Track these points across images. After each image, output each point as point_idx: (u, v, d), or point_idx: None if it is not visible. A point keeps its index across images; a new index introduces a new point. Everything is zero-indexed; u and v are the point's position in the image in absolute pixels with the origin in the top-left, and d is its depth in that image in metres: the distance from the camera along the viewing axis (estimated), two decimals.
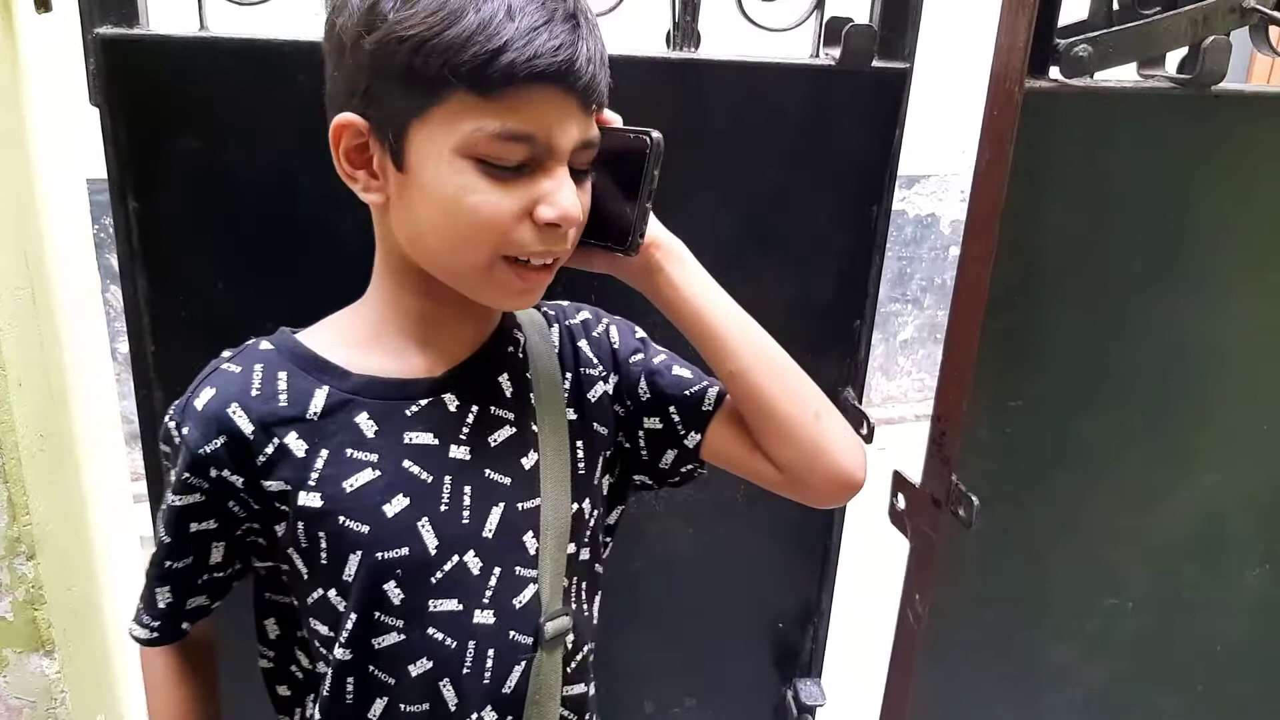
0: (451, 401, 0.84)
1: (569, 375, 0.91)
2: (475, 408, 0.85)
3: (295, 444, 0.79)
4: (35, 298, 1.33)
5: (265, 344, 0.83)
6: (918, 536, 1.26)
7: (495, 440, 0.85)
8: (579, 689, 0.93)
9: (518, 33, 0.68)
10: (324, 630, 0.83)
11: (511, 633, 0.85)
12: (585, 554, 0.92)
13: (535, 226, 0.75)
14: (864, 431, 1.41)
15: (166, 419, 0.81)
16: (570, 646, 0.90)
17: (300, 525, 0.80)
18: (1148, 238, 1.20)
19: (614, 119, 0.83)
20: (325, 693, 0.84)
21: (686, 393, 0.93)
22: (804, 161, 1.31)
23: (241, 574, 0.89)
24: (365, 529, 0.79)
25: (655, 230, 0.87)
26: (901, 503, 1.28)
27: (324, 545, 0.80)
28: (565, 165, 0.75)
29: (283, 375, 0.81)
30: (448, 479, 0.82)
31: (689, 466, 0.95)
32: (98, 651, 1.56)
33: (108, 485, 1.63)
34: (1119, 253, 1.20)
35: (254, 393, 0.79)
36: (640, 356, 0.95)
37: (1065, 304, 1.21)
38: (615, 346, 0.95)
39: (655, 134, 0.79)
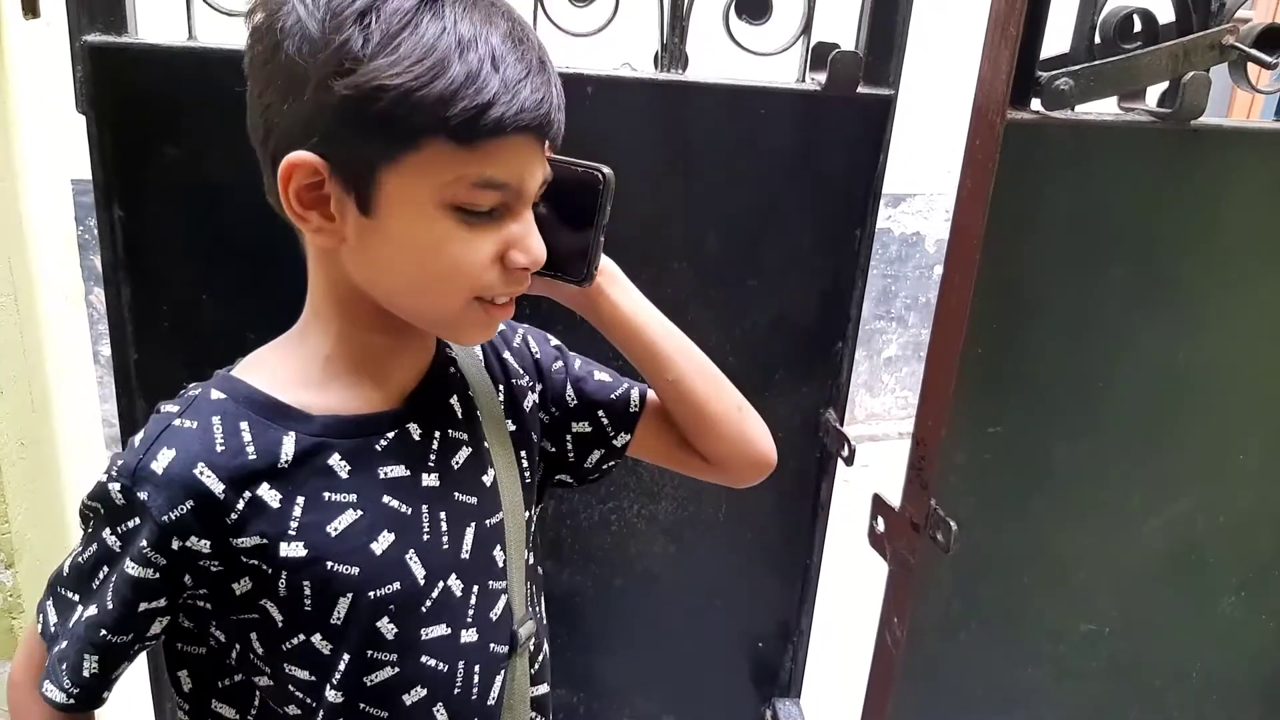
0: (415, 430, 0.83)
1: (501, 388, 0.93)
2: (436, 433, 0.85)
3: (269, 495, 0.76)
4: (18, 304, 1.33)
5: (215, 393, 0.78)
6: (896, 560, 1.27)
7: (458, 463, 0.86)
8: (543, 689, 0.96)
9: (503, 86, 0.69)
10: (303, 675, 0.81)
11: (491, 645, 0.87)
12: (531, 558, 0.95)
13: (504, 269, 0.76)
14: (845, 454, 1.41)
15: (111, 480, 0.74)
16: (533, 649, 0.93)
17: (283, 576, 0.76)
18: (1127, 268, 1.21)
19: None
20: None
21: (612, 396, 0.98)
22: (788, 184, 1.32)
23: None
24: (355, 570, 0.78)
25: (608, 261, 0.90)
26: (881, 526, 1.29)
27: (308, 593, 0.77)
28: (529, 208, 0.77)
29: (244, 425, 0.76)
30: (424, 508, 0.82)
31: (610, 464, 1.00)
32: None
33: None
34: (1098, 282, 1.21)
35: (219, 449, 0.75)
36: (560, 364, 0.98)
37: (1045, 331, 1.22)
38: (537, 356, 0.98)
39: (607, 170, 0.81)
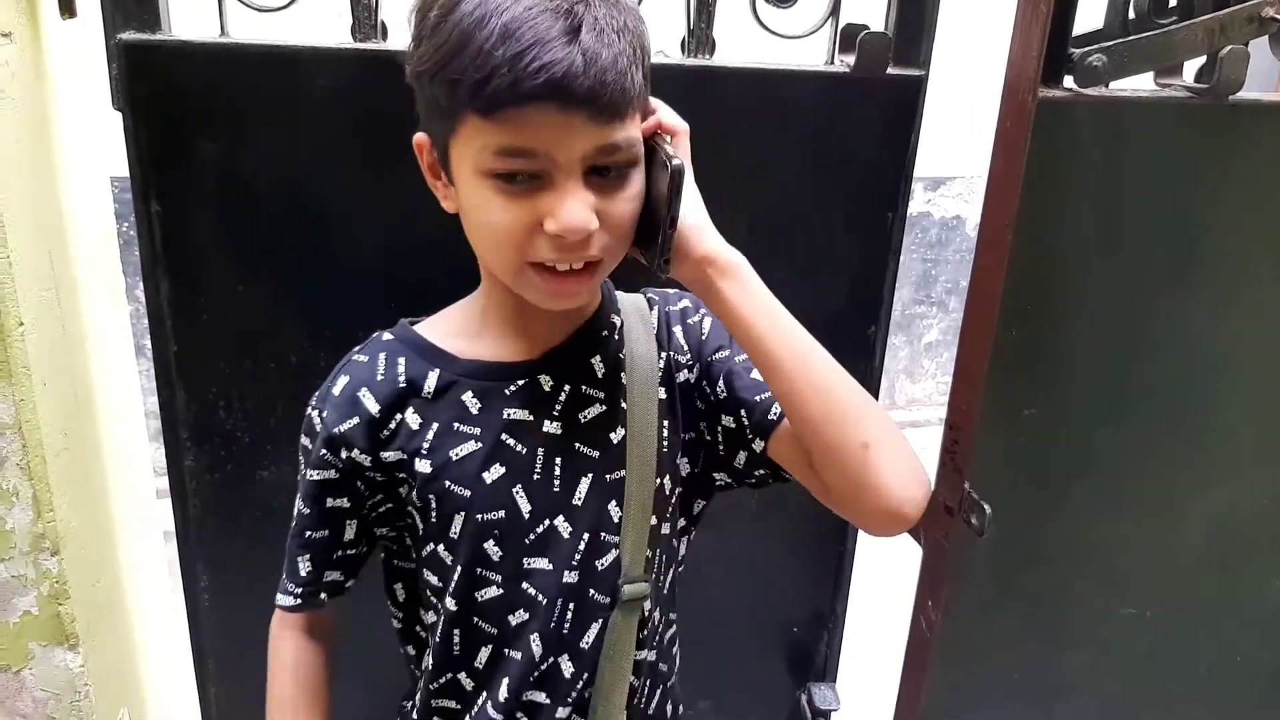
0: (546, 382, 0.91)
1: (663, 355, 0.96)
2: (567, 387, 0.92)
3: (411, 418, 0.90)
4: (60, 298, 1.35)
5: (387, 335, 0.94)
6: (931, 544, 1.26)
7: (585, 417, 0.92)
8: (649, 655, 0.99)
9: (504, 59, 0.72)
10: (435, 581, 0.94)
11: (591, 591, 0.93)
12: (665, 528, 0.97)
13: (550, 236, 0.78)
14: None
15: (310, 410, 0.94)
16: (645, 612, 0.96)
17: (415, 488, 0.90)
18: (1164, 247, 1.19)
19: (659, 107, 0.87)
20: (437, 640, 0.95)
21: (758, 398, 0.92)
22: (819, 168, 1.31)
23: (368, 555, 0.99)
24: (467, 493, 0.89)
25: (712, 244, 0.85)
26: None
27: (434, 505, 0.90)
28: (576, 176, 0.77)
29: (401, 360, 0.91)
30: (540, 451, 0.90)
31: (762, 470, 0.95)
32: (121, 645, 1.59)
33: (131, 481, 1.66)
34: (1135, 262, 1.19)
35: (379, 377, 0.91)
36: (724, 354, 0.95)
37: (1081, 313, 1.21)
38: (704, 338, 0.98)
39: (677, 161, 0.79)
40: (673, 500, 0.97)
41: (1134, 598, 1.41)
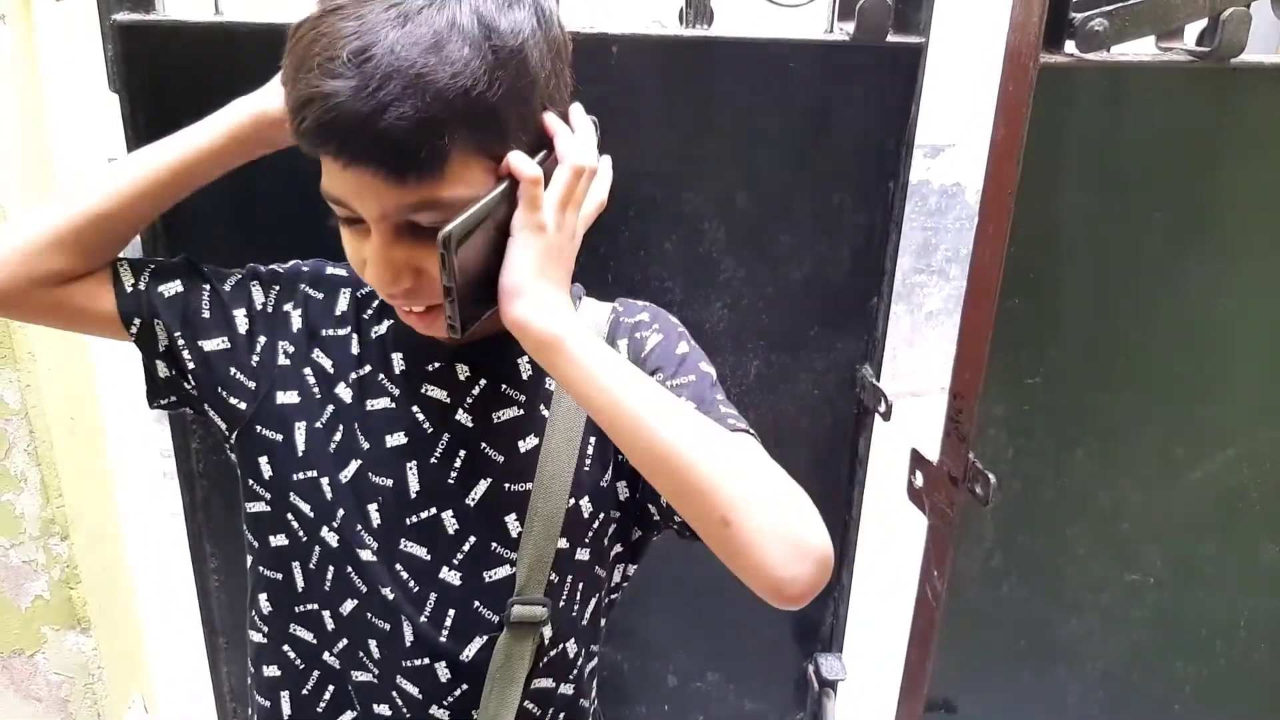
0: (463, 371, 0.87)
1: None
2: (483, 381, 0.87)
3: (354, 345, 0.89)
4: None
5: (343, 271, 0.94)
6: (935, 514, 1.27)
7: (499, 417, 0.87)
8: (547, 683, 0.91)
9: (292, 103, 0.70)
10: (307, 509, 0.88)
11: (476, 603, 0.87)
12: (584, 554, 0.88)
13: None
14: (882, 409, 1.41)
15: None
16: (546, 640, 0.88)
17: (329, 408, 0.88)
18: (1166, 213, 1.18)
19: (555, 128, 0.77)
20: (310, 566, 0.89)
21: None
22: (819, 137, 1.30)
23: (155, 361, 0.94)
24: (366, 445, 0.87)
25: (520, 314, 0.73)
26: (919, 480, 1.29)
27: (337, 437, 0.87)
28: (383, 233, 0.74)
29: (365, 291, 0.92)
30: (445, 437, 0.87)
31: (679, 520, 0.81)
32: (133, 629, 1.60)
33: (138, 465, 1.66)
34: (1137, 228, 1.19)
35: (359, 293, 0.92)
36: (659, 376, 0.84)
37: (1083, 280, 1.21)
38: (643, 355, 0.87)
39: (445, 230, 0.68)
40: (594, 525, 0.88)
41: (1137, 563, 1.42)
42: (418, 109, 0.66)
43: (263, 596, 0.93)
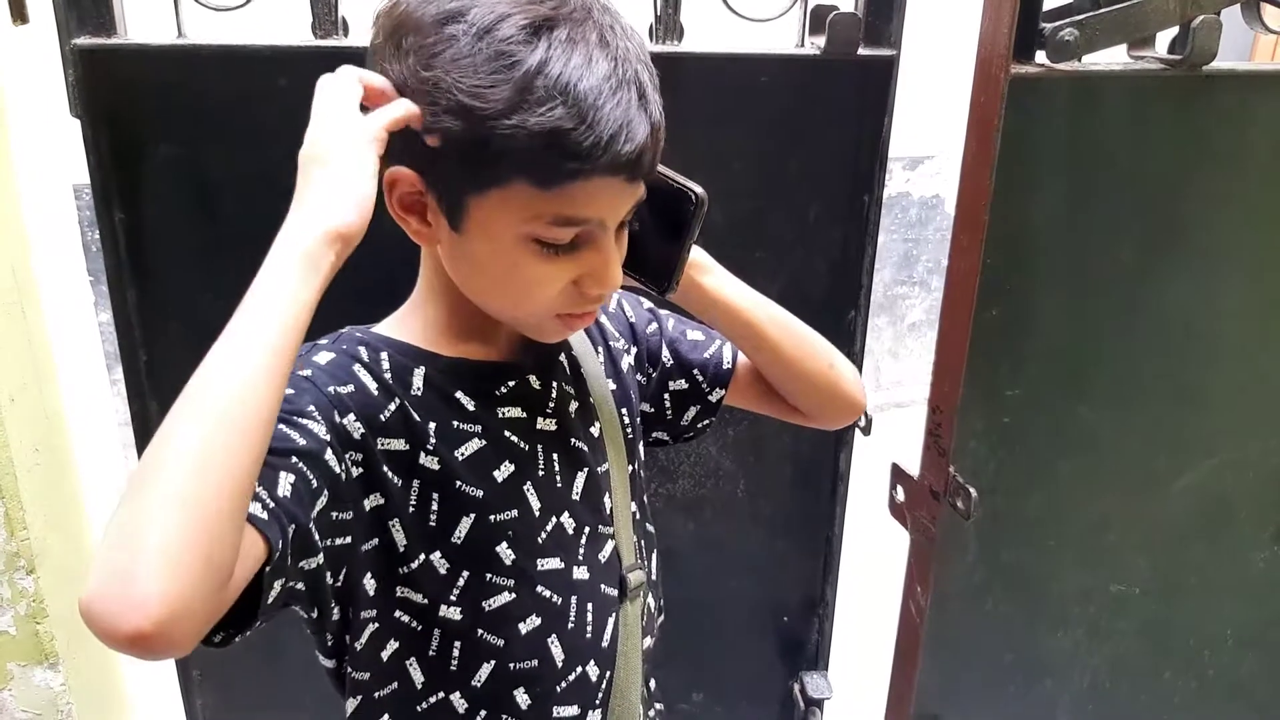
0: (535, 380, 0.89)
1: (600, 350, 0.97)
2: (554, 384, 0.90)
3: (409, 413, 0.81)
4: (25, 311, 1.33)
5: (357, 333, 0.85)
6: (917, 529, 1.25)
7: (572, 412, 0.91)
8: (648, 643, 0.99)
9: (591, 136, 0.68)
10: (419, 598, 0.83)
11: (602, 585, 0.91)
12: (638, 514, 0.98)
13: (580, 292, 0.79)
14: (862, 424, 1.39)
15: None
16: (644, 599, 0.96)
17: (415, 486, 0.81)
18: (1141, 221, 1.18)
19: None
20: (428, 657, 0.85)
21: (706, 355, 1.01)
22: (793, 152, 1.29)
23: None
24: (480, 493, 0.83)
25: (703, 256, 0.92)
26: (901, 495, 1.27)
27: (435, 508, 0.82)
28: (613, 234, 0.77)
29: (383, 356, 0.82)
30: (540, 447, 0.88)
31: (706, 421, 1.04)
32: (104, 661, 1.57)
33: (108, 494, 1.64)
34: (1113, 236, 1.18)
35: (367, 361, 0.81)
36: (655, 326, 1.01)
37: (1060, 290, 1.20)
38: (632, 320, 1.01)
39: (700, 191, 0.81)
40: (643, 483, 1.00)
41: (1122, 574, 1.41)
42: (662, 115, 0.74)
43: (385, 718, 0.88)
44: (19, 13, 1.25)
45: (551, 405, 0.90)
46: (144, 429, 1.29)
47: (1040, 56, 1.05)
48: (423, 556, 0.82)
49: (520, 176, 0.70)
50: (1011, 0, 0.99)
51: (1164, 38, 1.14)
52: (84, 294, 1.64)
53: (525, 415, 0.88)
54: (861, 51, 1.24)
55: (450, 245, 0.79)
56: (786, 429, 1.44)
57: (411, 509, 0.81)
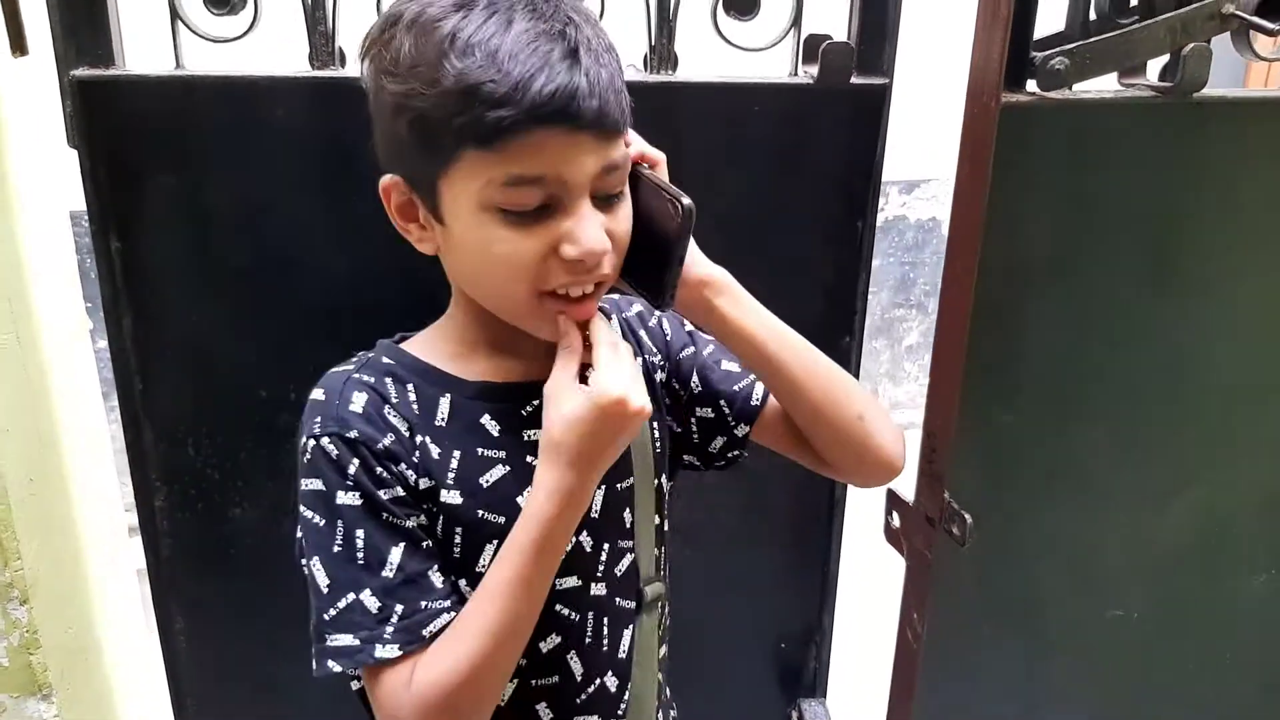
0: None
1: (636, 362, 0.94)
2: None
3: (432, 447, 0.83)
4: (20, 341, 1.33)
5: (384, 358, 0.87)
6: (913, 555, 1.25)
7: None
8: (664, 651, 1.01)
9: (510, 85, 0.70)
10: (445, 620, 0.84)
11: (618, 599, 0.92)
12: (665, 525, 0.99)
13: (563, 262, 0.77)
14: None
15: (319, 439, 0.80)
16: (661, 610, 0.98)
17: (440, 521, 0.83)
18: (1134, 247, 1.18)
19: (633, 140, 0.85)
20: None
21: (735, 388, 0.99)
22: (787, 180, 1.30)
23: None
24: (502, 519, 0.84)
25: (705, 267, 0.90)
26: (896, 521, 1.27)
27: (458, 540, 0.84)
28: (585, 198, 0.77)
29: (410, 386, 0.85)
30: None
31: (735, 452, 1.02)
32: (98, 691, 1.56)
33: (102, 523, 1.63)
34: (1105, 263, 1.18)
35: (395, 399, 0.84)
36: (690, 350, 1.01)
37: (1054, 316, 1.20)
38: (669, 339, 1.01)
39: (686, 201, 0.81)
40: (668, 496, 1.00)
41: (1120, 600, 1.40)
42: (616, 71, 0.76)
43: None
44: (18, 45, 1.26)
45: None
46: (139, 457, 1.29)
47: (1031, 85, 1.06)
48: (444, 601, 0.83)
49: (465, 143, 0.72)
50: (1002, 30, 1.00)
51: (1155, 65, 1.15)
52: (81, 322, 1.64)
53: None
54: (854, 80, 1.24)
55: (444, 243, 0.81)
56: (782, 455, 1.45)
57: (438, 539, 0.84)
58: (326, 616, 0.79)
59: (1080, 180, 1.13)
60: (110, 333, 1.24)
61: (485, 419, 0.86)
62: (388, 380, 0.84)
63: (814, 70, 1.24)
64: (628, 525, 0.93)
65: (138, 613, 1.80)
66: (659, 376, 0.99)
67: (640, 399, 0.80)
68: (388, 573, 0.79)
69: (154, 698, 1.68)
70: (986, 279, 1.08)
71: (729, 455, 1.02)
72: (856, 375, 1.41)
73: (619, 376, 0.80)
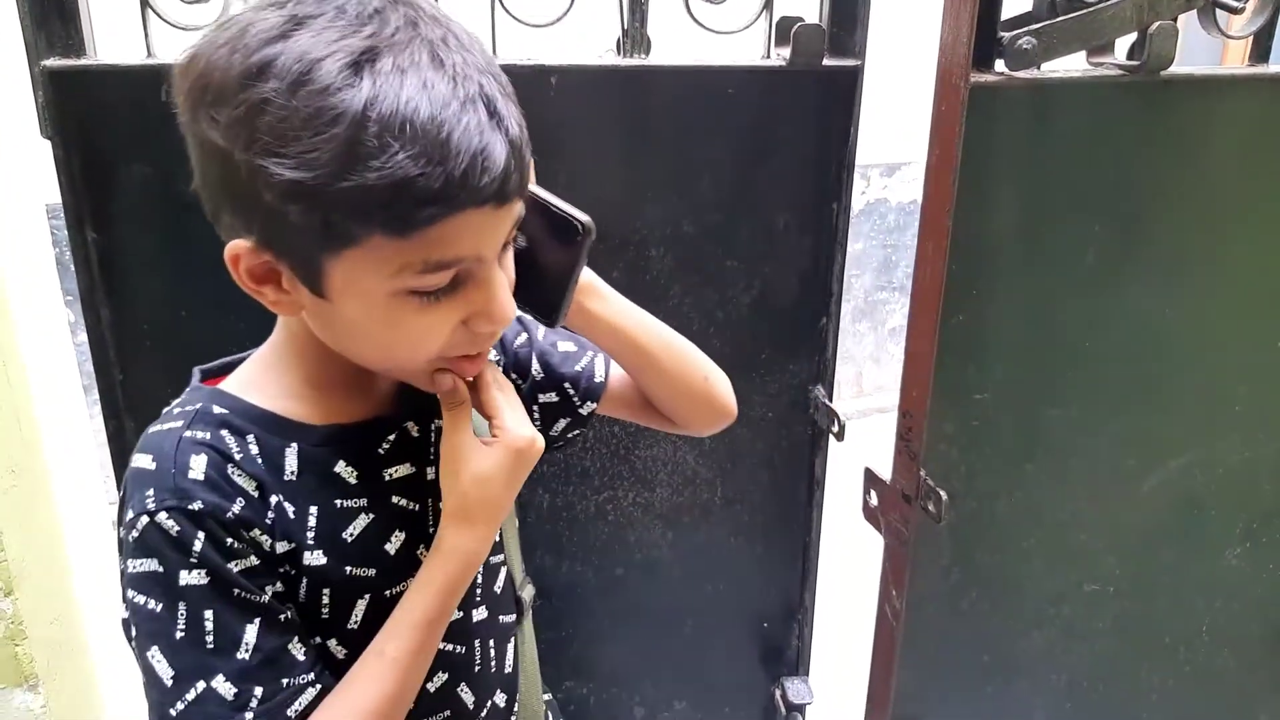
0: (413, 428, 0.84)
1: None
2: (433, 426, 0.85)
3: (286, 505, 0.74)
4: None
5: (216, 408, 0.76)
6: (891, 533, 1.26)
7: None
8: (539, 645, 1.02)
9: (446, 178, 0.61)
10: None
11: (500, 617, 0.90)
12: (517, 518, 1.00)
13: (473, 334, 0.73)
14: (835, 429, 1.41)
15: (154, 515, 0.69)
16: (531, 607, 0.97)
17: (303, 584, 0.76)
18: (1104, 224, 1.20)
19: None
20: None
21: (578, 368, 0.99)
22: (761, 162, 1.31)
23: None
24: (372, 572, 0.78)
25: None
26: (874, 499, 1.28)
27: (325, 601, 0.77)
28: (496, 264, 0.71)
29: (250, 438, 0.75)
30: (429, 501, 0.83)
31: (576, 431, 1.01)
32: (84, 682, 1.56)
33: (85, 514, 1.63)
34: (1076, 240, 1.20)
35: (238, 455, 0.73)
36: (525, 338, 0.98)
37: (1025, 294, 1.21)
38: (540, 345, 0.99)
39: (586, 220, 0.77)
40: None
41: (1096, 573, 1.42)
42: (523, 129, 0.67)
43: None
44: None
45: (432, 452, 0.84)
46: (120, 449, 1.29)
47: (1000, 65, 1.07)
48: (317, 640, 0.78)
49: (374, 231, 0.63)
50: (970, 10, 1.01)
51: (1123, 44, 1.16)
52: (59, 314, 1.64)
53: (413, 469, 0.83)
54: (826, 62, 1.25)
55: (317, 311, 0.71)
56: (761, 435, 1.46)
57: (302, 602, 0.76)
58: (173, 712, 0.69)
59: (1050, 159, 1.14)
60: (89, 324, 1.24)
61: (340, 466, 0.78)
62: (224, 433, 0.74)
63: (786, 53, 1.24)
64: (497, 539, 0.88)
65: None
66: None
67: (536, 432, 0.79)
68: (243, 654, 0.70)
69: (138, 688, 1.68)
70: (958, 258, 1.09)
71: (569, 435, 1.01)
72: (835, 357, 1.42)
73: (521, 418, 0.79)
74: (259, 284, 0.70)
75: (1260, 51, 1.24)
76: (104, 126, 1.18)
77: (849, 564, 2.03)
